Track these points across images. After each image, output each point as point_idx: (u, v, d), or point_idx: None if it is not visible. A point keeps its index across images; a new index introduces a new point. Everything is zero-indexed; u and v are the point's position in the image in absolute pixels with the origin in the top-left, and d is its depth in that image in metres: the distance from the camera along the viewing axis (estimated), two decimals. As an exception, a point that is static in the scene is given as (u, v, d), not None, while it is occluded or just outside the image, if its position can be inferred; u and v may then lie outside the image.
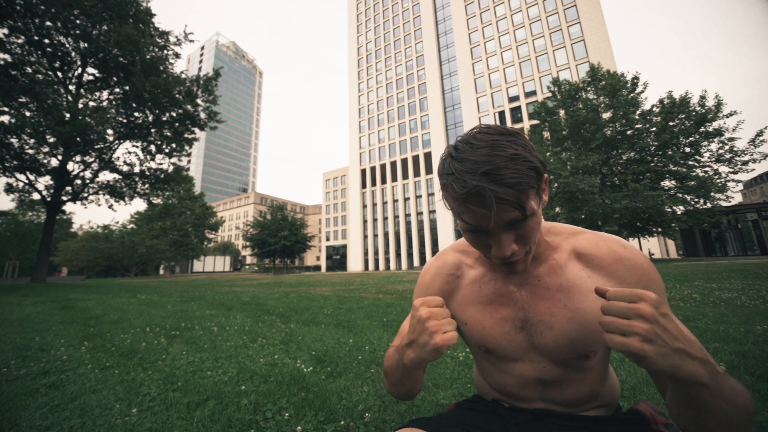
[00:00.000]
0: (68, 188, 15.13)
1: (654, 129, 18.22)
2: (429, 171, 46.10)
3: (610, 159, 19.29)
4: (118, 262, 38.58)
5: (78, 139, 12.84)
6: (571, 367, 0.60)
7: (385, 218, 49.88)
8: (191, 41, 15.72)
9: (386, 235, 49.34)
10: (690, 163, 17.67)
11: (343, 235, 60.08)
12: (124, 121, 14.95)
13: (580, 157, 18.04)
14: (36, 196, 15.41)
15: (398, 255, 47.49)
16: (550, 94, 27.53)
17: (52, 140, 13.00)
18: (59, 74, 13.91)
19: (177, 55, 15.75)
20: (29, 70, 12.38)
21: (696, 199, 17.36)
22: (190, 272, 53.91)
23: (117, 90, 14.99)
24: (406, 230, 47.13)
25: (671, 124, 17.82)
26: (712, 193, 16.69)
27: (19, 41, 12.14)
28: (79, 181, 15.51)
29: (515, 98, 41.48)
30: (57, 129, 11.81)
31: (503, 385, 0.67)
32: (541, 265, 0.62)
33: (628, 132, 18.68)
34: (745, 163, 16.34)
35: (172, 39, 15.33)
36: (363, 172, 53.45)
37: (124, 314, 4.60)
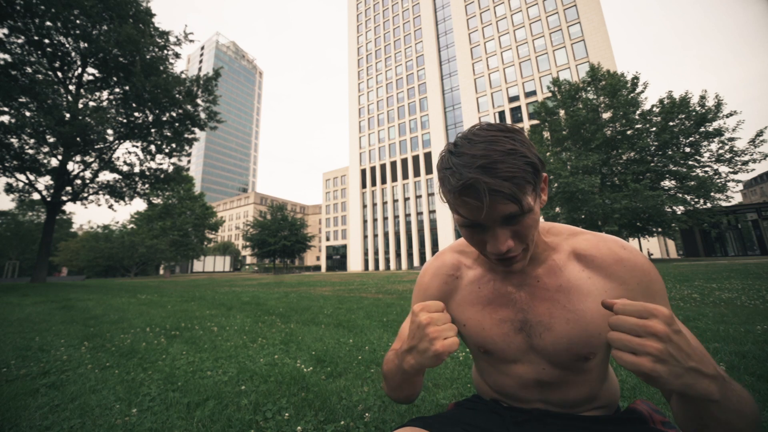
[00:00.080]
0: (68, 188, 15.13)
1: (654, 129, 18.21)
2: (429, 171, 46.08)
3: (610, 159, 19.27)
4: (118, 262, 38.59)
5: (78, 139, 12.85)
6: (570, 368, 0.60)
7: (385, 218, 49.87)
8: (191, 41, 15.73)
9: (386, 235, 49.33)
10: (690, 163, 17.66)
11: (343, 235, 60.08)
12: (124, 121, 14.95)
13: (580, 157, 18.03)
14: (36, 196, 15.42)
15: (398, 255, 47.49)
16: (550, 94, 27.56)
17: (52, 140, 13.00)
18: (59, 74, 13.91)
19: (177, 55, 15.76)
20: (29, 70, 12.38)
21: (696, 199, 17.35)
22: (190, 272, 53.90)
23: (117, 90, 14.99)
24: (406, 230, 47.11)
25: (671, 124, 17.81)
26: (712, 193, 16.69)
27: (19, 41, 12.14)
28: (79, 181, 15.52)
29: (515, 98, 41.48)
30: (57, 129, 11.81)
31: (502, 386, 0.67)
32: (540, 266, 0.61)
33: (628, 132, 18.67)
34: (745, 163, 16.35)
35: (172, 39, 15.34)
36: (363, 172, 53.44)
37: (124, 314, 4.59)
